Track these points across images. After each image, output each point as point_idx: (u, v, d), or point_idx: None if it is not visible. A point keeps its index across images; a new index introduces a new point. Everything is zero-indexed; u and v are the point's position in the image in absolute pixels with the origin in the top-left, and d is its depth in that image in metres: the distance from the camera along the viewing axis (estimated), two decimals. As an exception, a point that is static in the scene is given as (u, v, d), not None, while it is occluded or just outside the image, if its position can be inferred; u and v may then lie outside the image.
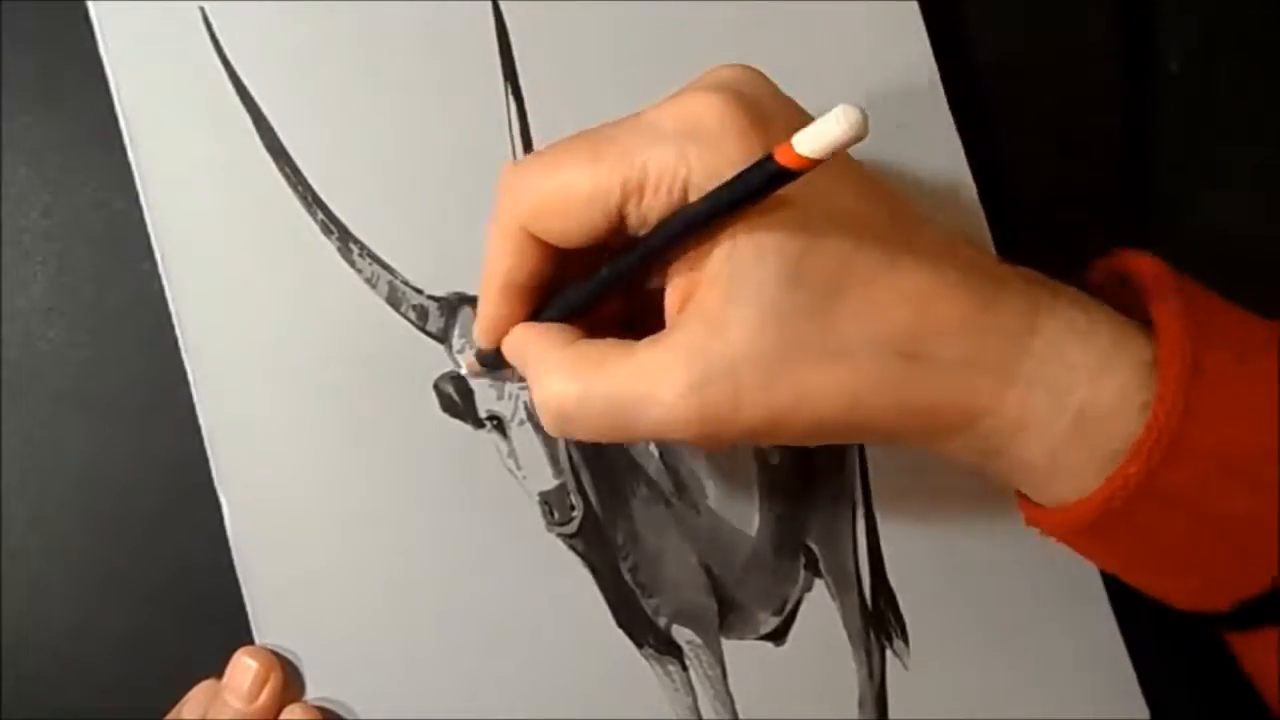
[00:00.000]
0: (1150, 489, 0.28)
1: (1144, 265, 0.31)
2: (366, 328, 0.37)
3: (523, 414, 0.38)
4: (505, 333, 0.33)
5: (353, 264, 0.38)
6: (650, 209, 0.28)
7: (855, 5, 0.41)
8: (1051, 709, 0.39)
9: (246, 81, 0.38)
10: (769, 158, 0.26)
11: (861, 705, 0.39)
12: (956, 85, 0.41)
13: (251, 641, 0.36)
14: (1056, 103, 0.44)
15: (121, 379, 0.40)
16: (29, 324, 0.40)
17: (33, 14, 0.40)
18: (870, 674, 0.39)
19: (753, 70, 0.30)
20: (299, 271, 0.37)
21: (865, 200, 0.30)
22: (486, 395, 0.38)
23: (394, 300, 0.38)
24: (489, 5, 0.39)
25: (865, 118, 0.24)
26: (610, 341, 0.30)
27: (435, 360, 0.38)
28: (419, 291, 0.38)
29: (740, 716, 0.38)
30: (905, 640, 0.39)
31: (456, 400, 0.37)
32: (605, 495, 0.38)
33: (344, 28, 0.38)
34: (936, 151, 0.40)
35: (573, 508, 0.37)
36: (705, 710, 0.38)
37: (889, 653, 0.39)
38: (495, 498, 0.37)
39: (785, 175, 0.26)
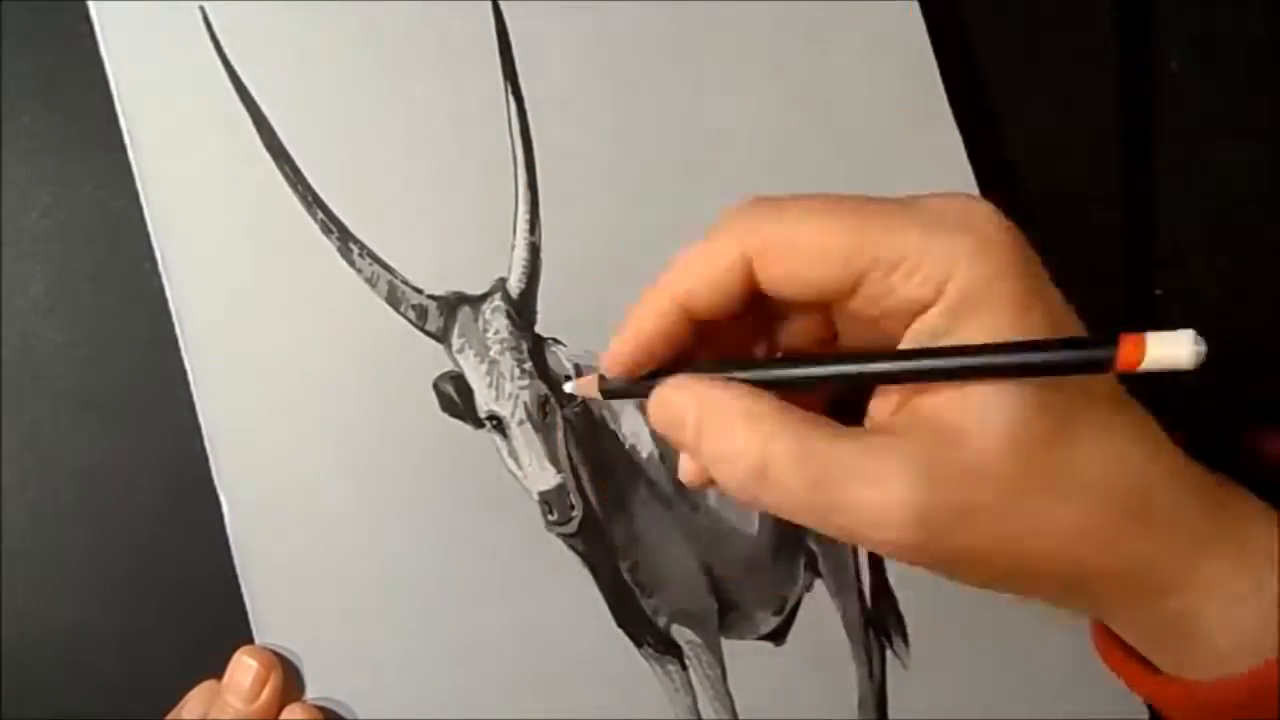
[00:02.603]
0: None
1: None
2: (366, 328, 0.37)
3: (522, 414, 0.38)
4: (646, 360, 0.29)
5: (353, 264, 0.38)
6: (893, 289, 0.26)
7: (855, 5, 0.41)
8: (1051, 709, 0.39)
9: (246, 81, 0.38)
10: (1109, 348, 0.24)
11: (861, 705, 0.39)
12: (956, 85, 0.41)
13: (251, 641, 0.36)
14: (1056, 102, 0.44)
15: (121, 379, 0.40)
16: (29, 324, 0.40)
17: (33, 14, 0.40)
18: (870, 674, 0.39)
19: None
20: (299, 271, 0.37)
21: None
22: (486, 395, 0.38)
23: (394, 300, 0.38)
24: (489, 5, 0.39)
25: (1205, 355, 0.23)
26: (822, 416, 0.27)
27: (435, 360, 0.38)
28: (419, 291, 0.38)
29: (740, 716, 0.38)
30: (905, 640, 0.39)
31: (456, 400, 0.37)
32: (605, 495, 0.38)
33: (344, 28, 0.38)
34: (936, 151, 0.40)
35: (573, 507, 0.37)
36: (705, 710, 0.38)
37: (889, 653, 0.39)
38: (495, 498, 0.37)
39: (1101, 367, 0.24)
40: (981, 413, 0.26)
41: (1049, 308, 0.26)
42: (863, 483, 0.25)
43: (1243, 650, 0.28)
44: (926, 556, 0.26)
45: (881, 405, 0.28)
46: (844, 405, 0.28)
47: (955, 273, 0.26)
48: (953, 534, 0.26)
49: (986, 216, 0.26)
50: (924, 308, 0.26)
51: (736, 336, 0.29)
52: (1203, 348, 0.23)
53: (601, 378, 0.31)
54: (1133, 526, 0.27)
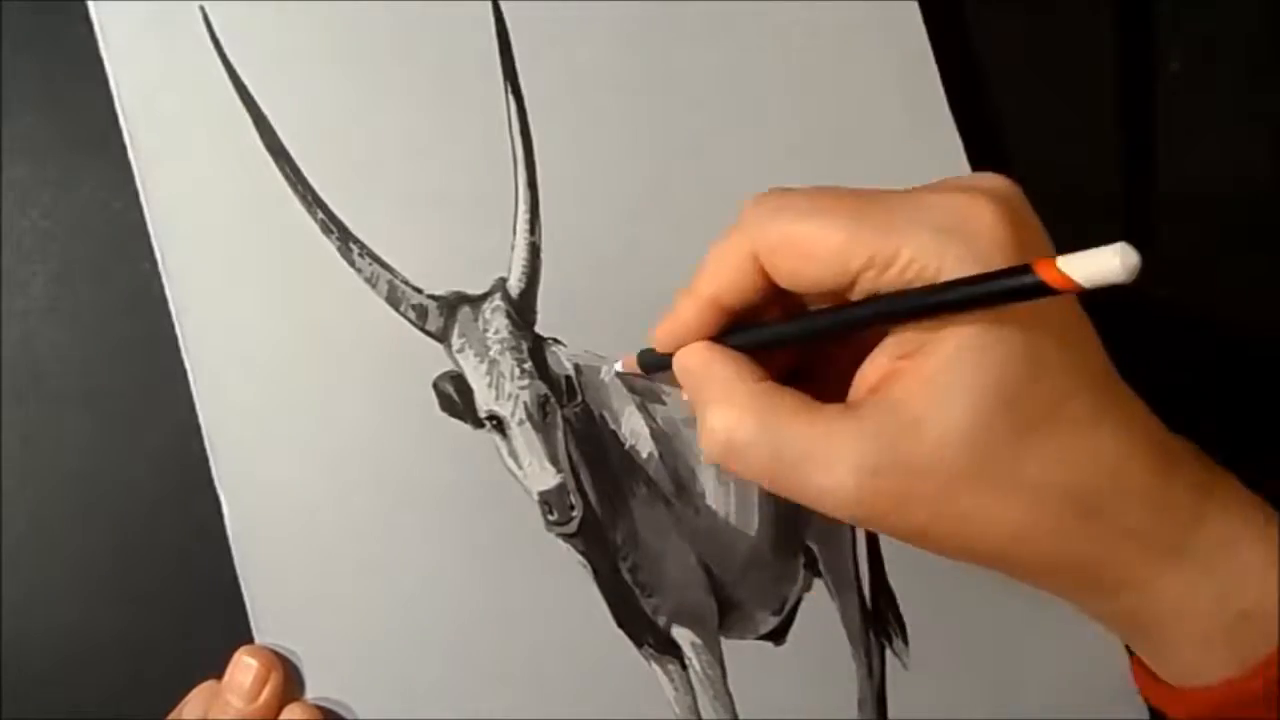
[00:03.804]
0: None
1: None
2: (366, 328, 0.37)
3: (522, 413, 0.38)
4: (687, 343, 0.32)
5: (353, 264, 0.38)
6: (885, 286, 0.28)
7: (855, 5, 0.41)
8: (1051, 709, 0.39)
9: (246, 81, 0.38)
10: (1028, 268, 0.25)
11: (861, 705, 0.39)
12: (956, 85, 0.41)
13: (251, 641, 0.36)
14: (1056, 102, 0.44)
15: (121, 379, 0.40)
16: (29, 324, 0.40)
17: (33, 14, 0.40)
18: (870, 674, 0.39)
19: (1016, 186, 0.29)
20: (299, 271, 0.37)
21: (1085, 347, 0.29)
22: (486, 395, 0.38)
23: (394, 300, 0.38)
24: (489, 5, 0.39)
25: (1140, 265, 0.23)
26: (795, 393, 0.29)
27: (435, 360, 0.38)
28: (419, 291, 0.38)
29: (740, 716, 0.38)
30: (905, 640, 0.39)
31: (456, 400, 0.37)
32: (605, 495, 0.38)
33: (344, 28, 0.38)
34: (936, 151, 0.40)
35: (572, 507, 0.37)
36: (705, 710, 0.38)
37: (889, 653, 0.39)
38: (495, 498, 0.37)
39: (1039, 291, 0.24)
40: (943, 406, 0.27)
41: None
42: (812, 465, 0.28)
43: (1208, 664, 0.29)
44: (875, 529, 0.29)
45: (867, 376, 0.29)
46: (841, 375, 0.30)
47: (942, 270, 0.27)
48: (891, 517, 0.28)
49: (982, 212, 0.27)
50: None
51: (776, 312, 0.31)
52: (1134, 259, 0.23)
53: (641, 353, 0.34)
54: (1076, 529, 0.28)
